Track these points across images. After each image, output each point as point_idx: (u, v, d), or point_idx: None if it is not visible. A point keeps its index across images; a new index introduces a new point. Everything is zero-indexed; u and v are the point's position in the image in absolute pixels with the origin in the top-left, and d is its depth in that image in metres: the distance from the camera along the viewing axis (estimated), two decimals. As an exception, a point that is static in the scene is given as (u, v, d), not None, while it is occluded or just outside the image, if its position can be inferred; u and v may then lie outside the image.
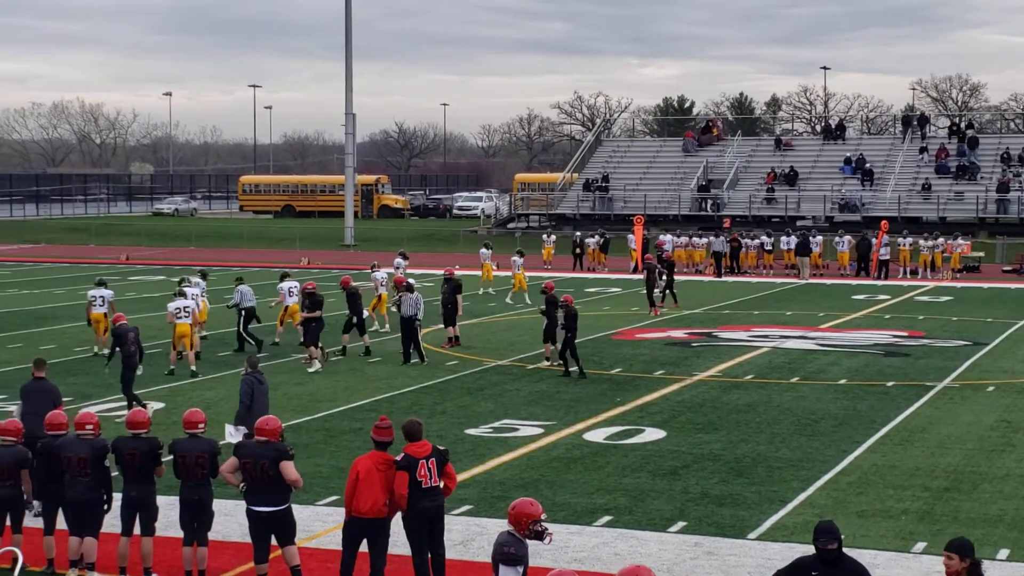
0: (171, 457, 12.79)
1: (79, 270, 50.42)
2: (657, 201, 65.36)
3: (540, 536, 9.47)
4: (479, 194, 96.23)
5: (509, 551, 9.28)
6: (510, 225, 70.06)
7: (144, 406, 18.43)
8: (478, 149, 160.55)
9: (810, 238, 49.31)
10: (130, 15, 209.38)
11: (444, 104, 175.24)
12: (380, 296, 31.69)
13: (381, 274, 32.02)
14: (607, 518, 14.98)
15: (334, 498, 15.11)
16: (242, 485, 12.23)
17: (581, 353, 24.77)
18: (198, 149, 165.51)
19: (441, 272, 44.21)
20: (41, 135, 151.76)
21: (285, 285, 28.56)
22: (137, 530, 12.77)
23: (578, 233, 54.77)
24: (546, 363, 25.97)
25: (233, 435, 16.26)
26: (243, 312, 27.79)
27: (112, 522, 13.00)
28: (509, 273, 40.88)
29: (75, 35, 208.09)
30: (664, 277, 36.89)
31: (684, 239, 52.15)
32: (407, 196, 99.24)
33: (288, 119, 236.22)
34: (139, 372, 21.65)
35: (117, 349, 21.23)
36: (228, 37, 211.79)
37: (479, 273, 41.37)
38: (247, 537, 12.82)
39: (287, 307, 28.39)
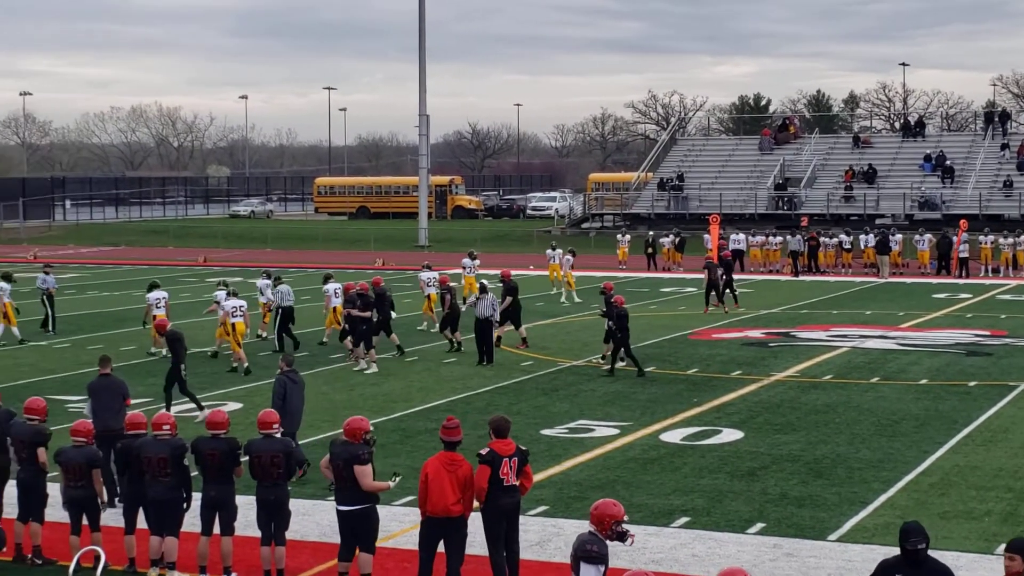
0: (247, 457, 12.86)
1: (158, 272, 50.97)
2: (733, 200, 64.89)
3: (622, 537, 9.43)
4: (553, 194, 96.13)
5: (592, 549, 9.24)
6: (584, 225, 69.90)
7: (168, 408, 19.02)
8: (552, 149, 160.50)
9: (889, 236, 48.72)
10: (207, 19, 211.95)
11: (518, 104, 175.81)
12: (429, 296, 31.54)
13: (429, 275, 31.86)
14: (684, 519, 14.86)
15: (410, 498, 15.11)
16: (331, 483, 12.25)
17: (657, 353, 24.69)
18: (274, 151, 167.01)
19: (515, 273, 44.17)
20: (120, 139, 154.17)
21: (329, 287, 28.82)
22: (217, 529, 12.86)
23: (651, 233, 54.50)
24: (599, 360, 26.01)
25: None
26: (281, 311, 28.00)
27: (192, 521, 13.10)
28: (556, 272, 40.76)
29: (154, 40, 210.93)
30: (723, 276, 36.58)
31: (760, 238, 51.74)
32: (481, 197, 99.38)
33: (362, 121, 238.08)
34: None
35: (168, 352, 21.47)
36: (303, 40, 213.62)
37: (534, 274, 41.18)
38: (324, 537, 12.92)
39: (334, 308, 28.57)
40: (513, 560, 12.15)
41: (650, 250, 51.76)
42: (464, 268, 37.92)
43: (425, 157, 68.68)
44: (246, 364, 25.26)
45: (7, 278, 30.58)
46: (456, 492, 11.78)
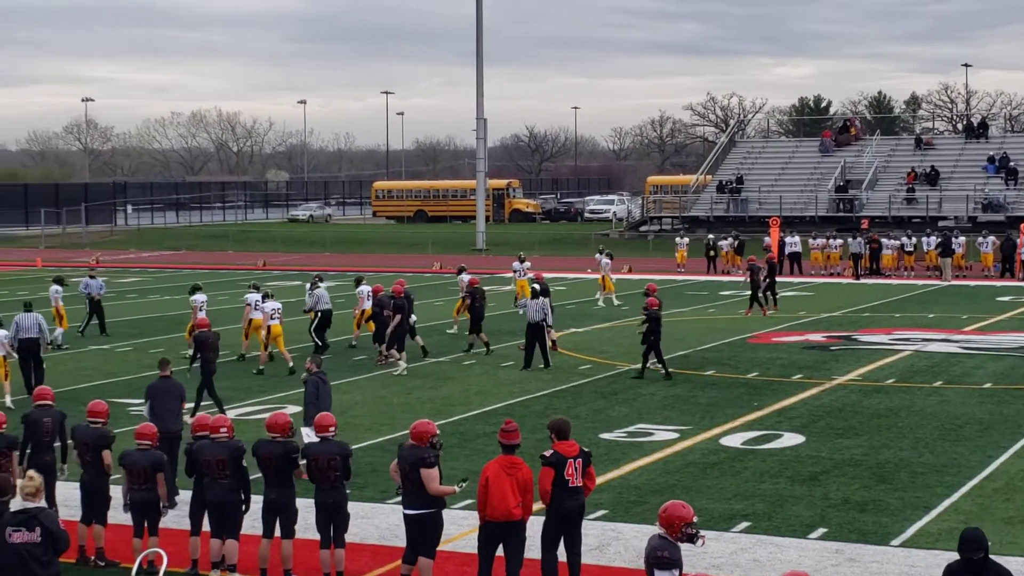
0: (304, 461, 12.89)
1: (218, 276, 51.39)
2: (793, 202, 64.44)
3: (692, 539, 9.33)
4: (611, 197, 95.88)
5: (663, 555, 9.17)
6: (642, 228, 69.68)
7: (195, 411, 19.20)
8: (609, 152, 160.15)
9: (952, 239, 48.18)
10: (266, 25, 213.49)
11: (575, 107, 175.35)
12: (463, 299, 31.46)
13: (467, 277, 31.73)
14: (745, 524, 14.74)
15: (468, 502, 15.08)
16: (399, 487, 12.29)
17: (716, 357, 24.52)
18: (332, 156, 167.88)
19: (572, 276, 44.20)
20: (180, 144, 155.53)
21: (364, 289, 28.92)
22: (278, 532, 12.90)
23: (711, 235, 54.25)
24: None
25: (310, 435, 16.34)
26: (319, 315, 28.14)
27: (253, 524, 13.15)
28: (597, 276, 40.54)
29: (213, 45, 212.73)
30: (767, 278, 36.24)
31: (820, 241, 51.33)
32: (538, 200, 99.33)
33: (420, 125, 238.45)
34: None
35: (199, 354, 21.57)
36: (360, 45, 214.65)
37: (601, 278, 40.73)
38: (383, 540, 12.92)
39: (364, 311, 28.67)
40: (575, 563, 12.11)
41: (711, 253, 51.54)
42: (514, 271, 37.94)
43: (483, 160, 68.75)
44: (262, 366, 25.78)
45: (60, 281, 31.04)
46: (517, 495, 11.74)
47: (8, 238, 78.23)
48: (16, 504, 10.38)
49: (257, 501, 13.16)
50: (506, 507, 11.72)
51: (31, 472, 10.63)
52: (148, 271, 55.30)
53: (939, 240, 47.89)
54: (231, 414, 19.93)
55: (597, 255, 41.62)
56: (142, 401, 16.96)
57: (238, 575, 12.88)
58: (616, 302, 38.51)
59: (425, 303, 35.31)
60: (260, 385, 24.26)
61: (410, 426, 12.50)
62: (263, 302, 26.76)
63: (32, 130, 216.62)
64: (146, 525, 13.23)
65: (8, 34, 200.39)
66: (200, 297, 28.29)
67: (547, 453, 11.96)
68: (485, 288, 28.61)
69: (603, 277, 39.42)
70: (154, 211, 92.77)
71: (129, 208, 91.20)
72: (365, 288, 29.08)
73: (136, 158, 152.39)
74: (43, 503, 10.38)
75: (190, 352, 23.49)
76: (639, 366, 25.02)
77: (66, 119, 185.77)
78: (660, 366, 24.71)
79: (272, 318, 26.22)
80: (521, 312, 27.61)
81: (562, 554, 12.13)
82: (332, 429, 13.01)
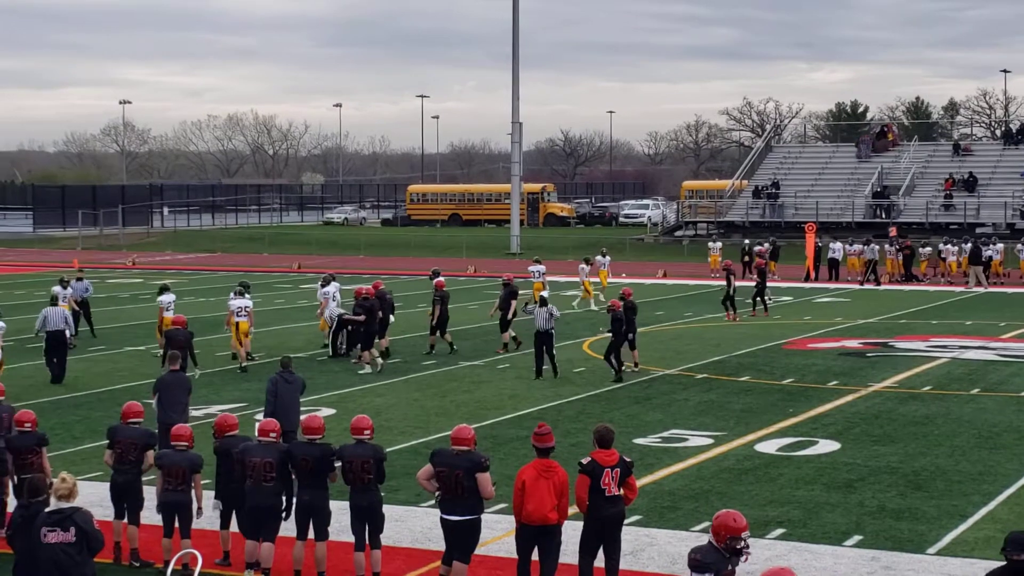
0: (339, 463, 12.88)
1: (253, 278, 51.54)
2: (829, 208, 64.14)
3: (738, 553, 9.06)
4: (645, 201, 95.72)
5: (695, 556, 9.01)
6: (677, 233, 69.51)
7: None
8: (644, 156, 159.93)
9: (988, 246, 47.79)
10: (301, 28, 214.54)
11: (610, 111, 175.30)
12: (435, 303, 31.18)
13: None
14: (780, 531, 14.65)
15: (502, 506, 15.05)
16: (437, 493, 12.20)
17: (752, 362, 24.38)
18: (367, 159, 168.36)
19: (609, 280, 43.98)
20: (217, 147, 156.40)
21: (329, 289, 29.01)
22: (311, 534, 12.90)
23: (747, 241, 54.03)
24: (634, 368, 26.04)
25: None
26: (338, 318, 28.15)
27: (286, 526, 13.14)
28: (596, 279, 40.30)
29: (249, 49, 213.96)
30: (758, 283, 35.75)
31: (857, 247, 50.99)
32: (573, 204, 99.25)
33: (454, 128, 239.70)
34: (192, 375, 21.77)
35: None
36: (395, 48, 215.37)
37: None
38: (417, 543, 12.90)
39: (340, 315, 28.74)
40: (613, 570, 12.07)
41: (746, 258, 51.28)
42: (533, 275, 37.99)
43: (517, 164, 68.74)
44: (243, 363, 26.47)
45: (64, 284, 31.10)
46: (553, 498, 11.70)
47: (46, 239, 78.79)
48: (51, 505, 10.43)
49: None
50: (542, 511, 11.68)
51: (64, 474, 10.68)
52: (184, 273, 55.54)
53: (972, 247, 47.50)
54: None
55: (599, 257, 41.81)
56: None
57: (271, 577, 12.88)
58: (602, 299, 37.96)
59: (459, 306, 35.28)
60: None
61: (453, 431, 12.43)
62: (235, 299, 27.40)
63: (70, 132, 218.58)
64: (177, 526, 13.25)
65: (47, 37, 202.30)
66: (167, 298, 28.71)
67: (584, 461, 11.91)
68: (520, 291, 28.55)
69: (585, 282, 39.08)
70: (190, 213, 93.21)
71: (165, 210, 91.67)
72: (332, 288, 29.05)
73: (172, 160, 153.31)
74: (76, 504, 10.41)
75: (160, 351, 24.36)
76: (623, 368, 25.25)
77: (103, 121, 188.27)
78: (613, 364, 25.03)
79: (239, 315, 26.80)
80: (531, 316, 26.88)
81: (600, 560, 12.08)
82: (368, 432, 12.99)
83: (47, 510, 10.39)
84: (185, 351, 21.13)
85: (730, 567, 9.08)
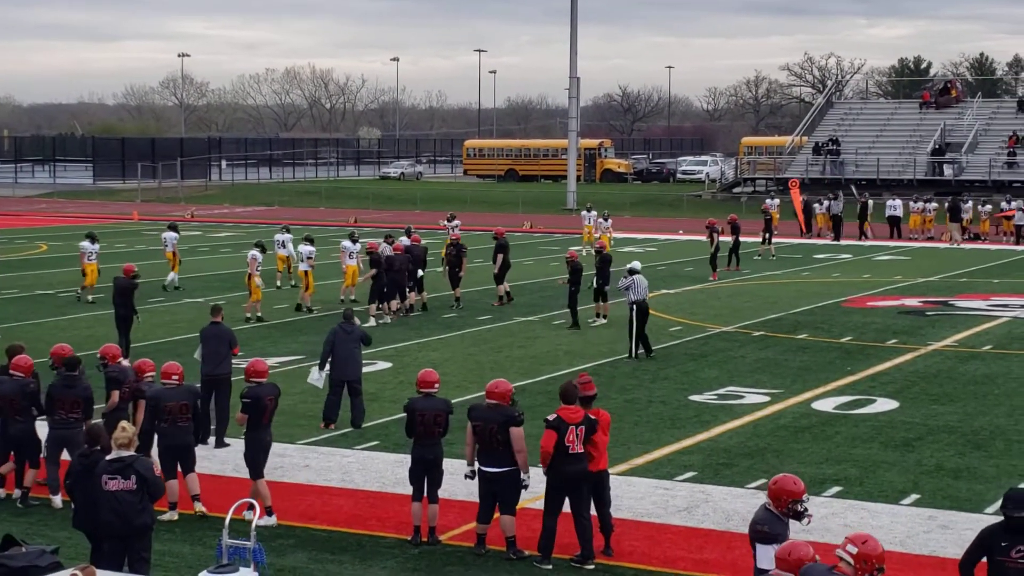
0: (406, 416, 12.92)
1: (310, 232, 51.71)
2: (891, 165, 63.39)
3: (799, 517, 9.04)
4: (704, 158, 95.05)
5: (762, 529, 8.97)
6: (736, 190, 69.00)
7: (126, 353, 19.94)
8: (703, 112, 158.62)
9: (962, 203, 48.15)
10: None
11: (669, 67, 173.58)
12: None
13: (406, 241, 30.87)
14: (836, 488, 14.56)
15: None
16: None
17: (810, 320, 24.21)
18: (423, 114, 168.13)
19: (664, 237, 43.85)
20: (274, 100, 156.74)
21: (348, 244, 29.07)
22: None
23: (804, 198, 53.50)
24: (602, 320, 26.43)
25: (316, 379, 17.39)
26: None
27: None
28: (597, 235, 40.06)
29: (302, 2, 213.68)
30: (716, 242, 35.19)
31: (920, 204, 50.37)
32: (630, 160, 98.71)
33: (511, 83, 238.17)
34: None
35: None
36: (451, 3, 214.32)
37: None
38: (472, 496, 12.91)
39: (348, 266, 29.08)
40: (605, 522, 12.40)
41: (807, 216, 50.87)
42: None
43: (575, 120, 68.39)
44: (248, 315, 26.78)
45: (174, 228, 32.90)
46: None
47: (106, 191, 79.45)
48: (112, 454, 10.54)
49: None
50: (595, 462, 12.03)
51: (123, 423, 10.78)
52: (241, 226, 55.82)
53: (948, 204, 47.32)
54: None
55: (584, 212, 43.12)
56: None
57: (326, 527, 12.96)
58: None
59: (516, 261, 35.23)
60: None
61: (487, 386, 12.51)
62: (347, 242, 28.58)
63: (129, 85, 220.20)
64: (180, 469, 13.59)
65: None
66: (89, 245, 29.73)
67: (551, 417, 12.08)
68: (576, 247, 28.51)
69: (600, 236, 38.45)
70: (248, 167, 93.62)
71: (223, 163, 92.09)
72: (351, 244, 29.13)
73: (230, 114, 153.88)
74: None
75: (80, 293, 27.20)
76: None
77: (162, 74, 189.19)
78: (571, 317, 25.77)
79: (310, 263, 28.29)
80: (623, 290, 23.31)
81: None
82: (436, 385, 13.01)
83: (107, 458, 10.50)
84: (128, 298, 22.33)
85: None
